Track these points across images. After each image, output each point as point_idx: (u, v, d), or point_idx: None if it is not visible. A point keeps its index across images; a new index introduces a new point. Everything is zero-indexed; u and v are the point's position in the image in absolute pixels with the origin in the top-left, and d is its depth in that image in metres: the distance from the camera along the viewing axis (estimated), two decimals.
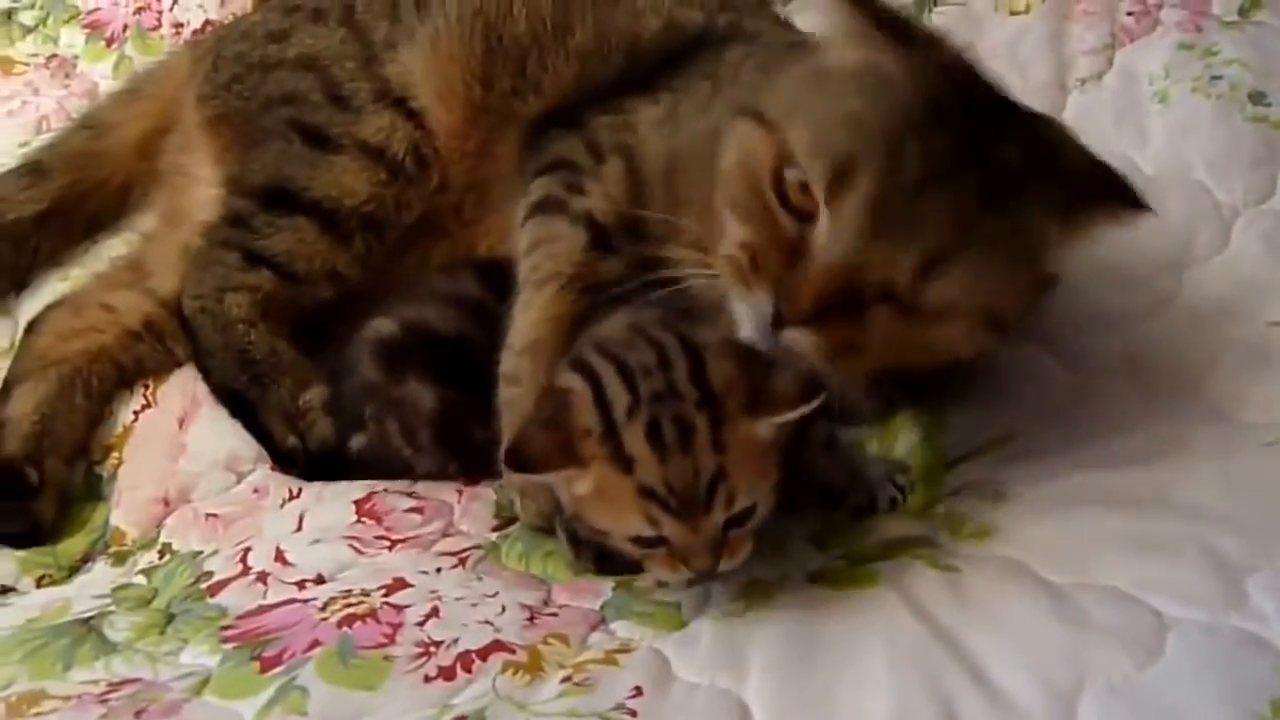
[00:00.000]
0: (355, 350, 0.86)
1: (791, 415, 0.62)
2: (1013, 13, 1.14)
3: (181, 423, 0.93)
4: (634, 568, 0.69)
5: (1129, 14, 1.11)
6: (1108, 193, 0.68)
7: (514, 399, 0.77)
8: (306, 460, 0.87)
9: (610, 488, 0.62)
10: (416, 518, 0.81)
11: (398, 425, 0.83)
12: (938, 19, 1.16)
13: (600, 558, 0.71)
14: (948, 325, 0.65)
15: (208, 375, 0.92)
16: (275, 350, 0.91)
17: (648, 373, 0.63)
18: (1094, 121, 1.03)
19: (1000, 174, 0.63)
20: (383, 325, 0.86)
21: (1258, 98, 1.01)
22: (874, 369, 0.70)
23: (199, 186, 0.98)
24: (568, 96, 0.89)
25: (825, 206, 0.62)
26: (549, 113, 0.89)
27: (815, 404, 0.62)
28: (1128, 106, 1.04)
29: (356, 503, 0.83)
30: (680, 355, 0.64)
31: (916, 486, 0.77)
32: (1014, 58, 1.10)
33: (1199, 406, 0.79)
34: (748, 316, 0.65)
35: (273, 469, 0.89)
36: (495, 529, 0.79)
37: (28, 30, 1.30)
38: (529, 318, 0.78)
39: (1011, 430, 0.80)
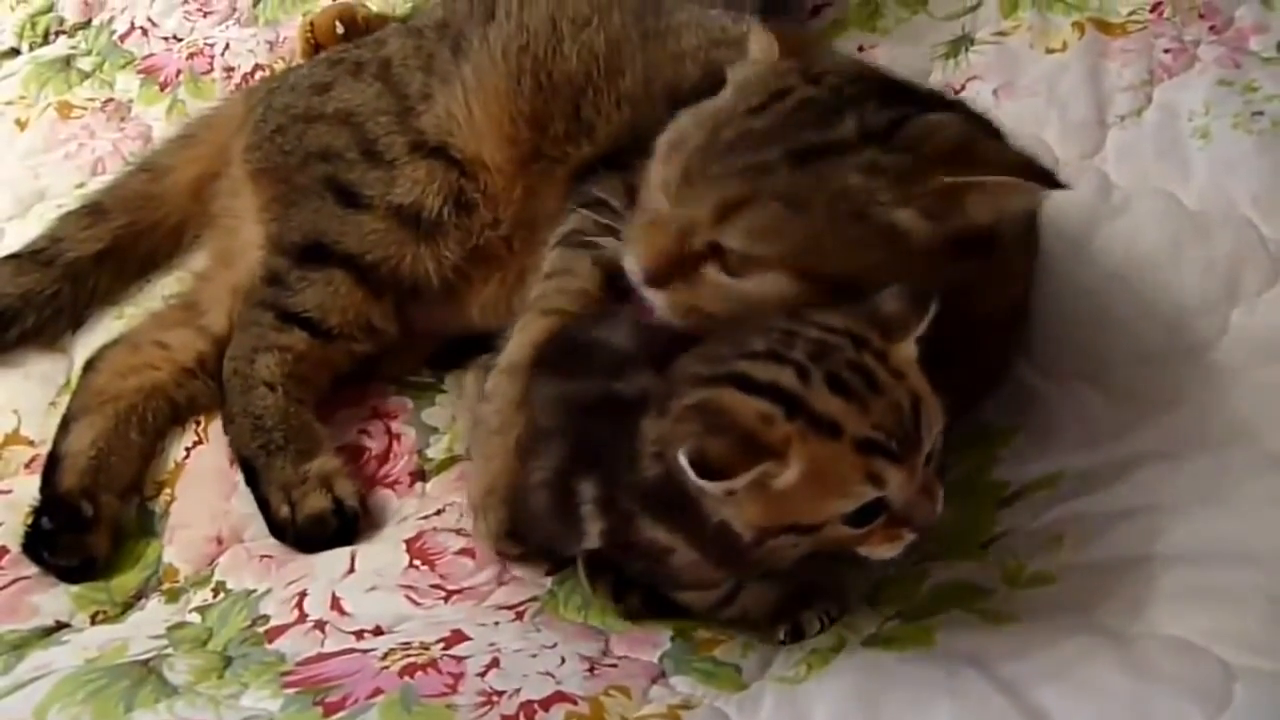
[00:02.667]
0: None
1: (922, 327, 0.60)
2: (1049, 50, 1.15)
3: (232, 460, 0.94)
4: (653, 610, 0.69)
5: (1166, 51, 1.11)
6: (967, 162, 0.68)
7: (484, 417, 0.80)
8: (295, 532, 0.87)
9: (822, 462, 0.56)
10: (469, 563, 0.81)
11: None
12: (975, 58, 1.17)
13: (617, 593, 0.71)
14: (770, 282, 0.68)
15: (230, 440, 0.93)
16: (288, 416, 0.91)
17: (787, 344, 0.60)
18: (1135, 157, 1.03)
19: (817, 142, 0.68)
20: None
21: None
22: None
23: (248, 229, 1.01)
24: (619, 141, 0.91)
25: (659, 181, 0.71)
26: (600, 156, 0.91)
27: (932, 313, 0.60)
28: (1169, 143, 1.03)
29: (407, 542, 0.84)
30: (799, 324, 0.61)
31: (965, 524, 0.76)
32: (1053, 95, 1.10)
33: (1254, 448, 0.78)
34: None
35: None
36: (548, 573, 0.79)
37: (85, 75, 1.34)
38: (521, 339, 0.81)
39: (1061, 469, 0.80)
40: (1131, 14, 1.16)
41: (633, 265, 0.71)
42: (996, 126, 0.79)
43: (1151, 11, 1.15)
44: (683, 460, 0.56)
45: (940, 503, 0.61)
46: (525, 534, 0.78)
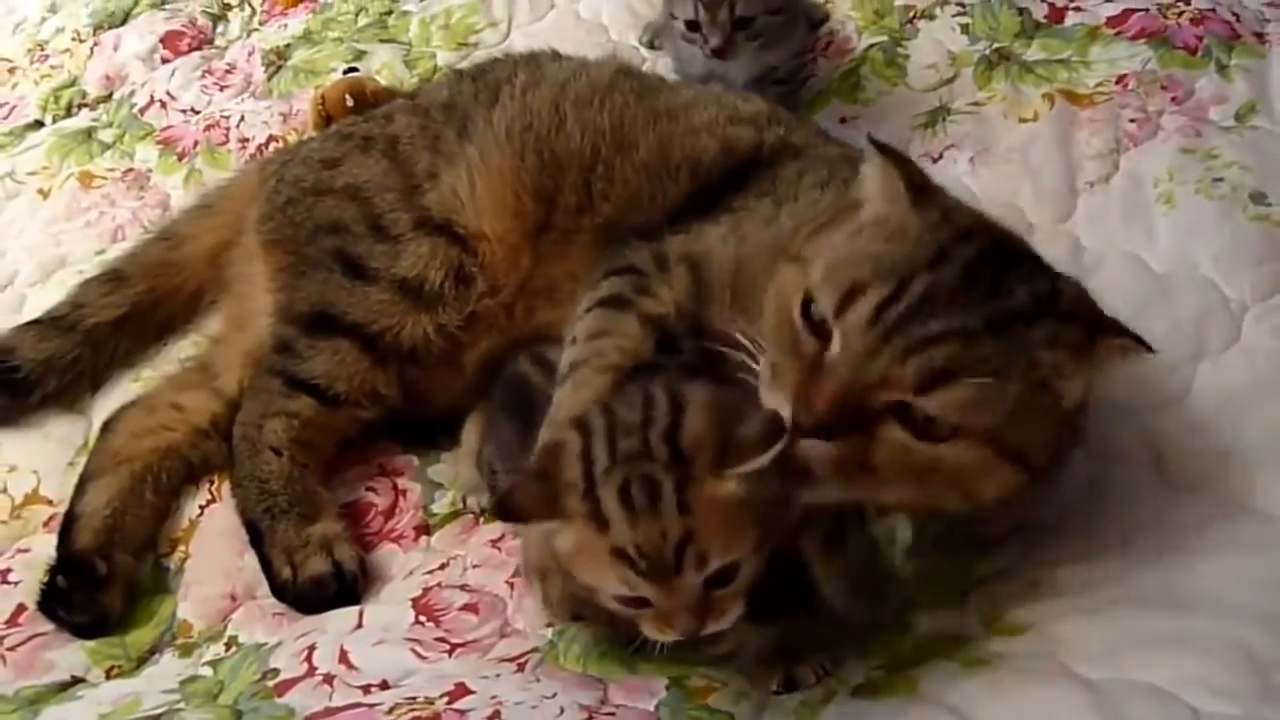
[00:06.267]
0: None
1: (756, 462, 0.62)
2: (1022, 120, 1.21)
3: None
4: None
5: (1131, 120, 1.17)
6: (1115, 330, 0.71)
7: None
8: (295, 594, 0.89)
9: (588, 546, 0.63)
10: (472, 618, 0.84)
11: None
12: (952, 127, 1.23)
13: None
14: (960, 450, 0.66)
15: (236, 503, 0.96)
16: (292, 481, 0.94)
17: (628, 431, 0.64)
18: (1103, 222, 1.08)
19: (1006, 309, 0.68)
20: None
21: (1259, 198, 1.06)
22: (901, 501, 0.72)
23: (260, 296, 1.05)
24: (642, 208, 0.94)
25: (834, 326, 0.67)
26: (632, 225, 0.94)
27: (777, 449, 0.61)
28: (1135, 208, 1.09)
29: (413, 600, 0.86)
30: (663, 411, 0.65)
31: (947, 573, 0.79)
32: (1026, 162, 1.16)
33: (1221, 498, 0.82)
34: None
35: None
36: (550, 624, 0.81)
37: (106, 146, 1.40)
38: (581, 396, 0.80)
39: (1037, 519, 0.83)
40: (1098, 85, 1.23)
41: (790, 409, 0.65)
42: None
43: (1117, 83, 1.22)
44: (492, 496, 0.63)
45: (721, 621, 0.64)
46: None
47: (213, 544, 0.96)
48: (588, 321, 0.86)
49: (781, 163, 0.94)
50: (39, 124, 1.47)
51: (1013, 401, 0.66)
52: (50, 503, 1.01)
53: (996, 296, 0.68)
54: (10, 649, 0.89)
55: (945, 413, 0.65)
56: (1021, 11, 1.33)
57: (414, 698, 0.72)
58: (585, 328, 0.85)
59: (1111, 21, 1.29)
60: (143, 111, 1.44)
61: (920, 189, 0.73)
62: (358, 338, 0.97)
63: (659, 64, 1.34)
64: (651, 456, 0.63)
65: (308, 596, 0.89)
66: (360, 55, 1.45)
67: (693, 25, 1.14)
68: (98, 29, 1.59)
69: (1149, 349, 0.71)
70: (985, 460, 0.67)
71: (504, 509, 0.66)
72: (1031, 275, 0.71)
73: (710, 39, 1.12)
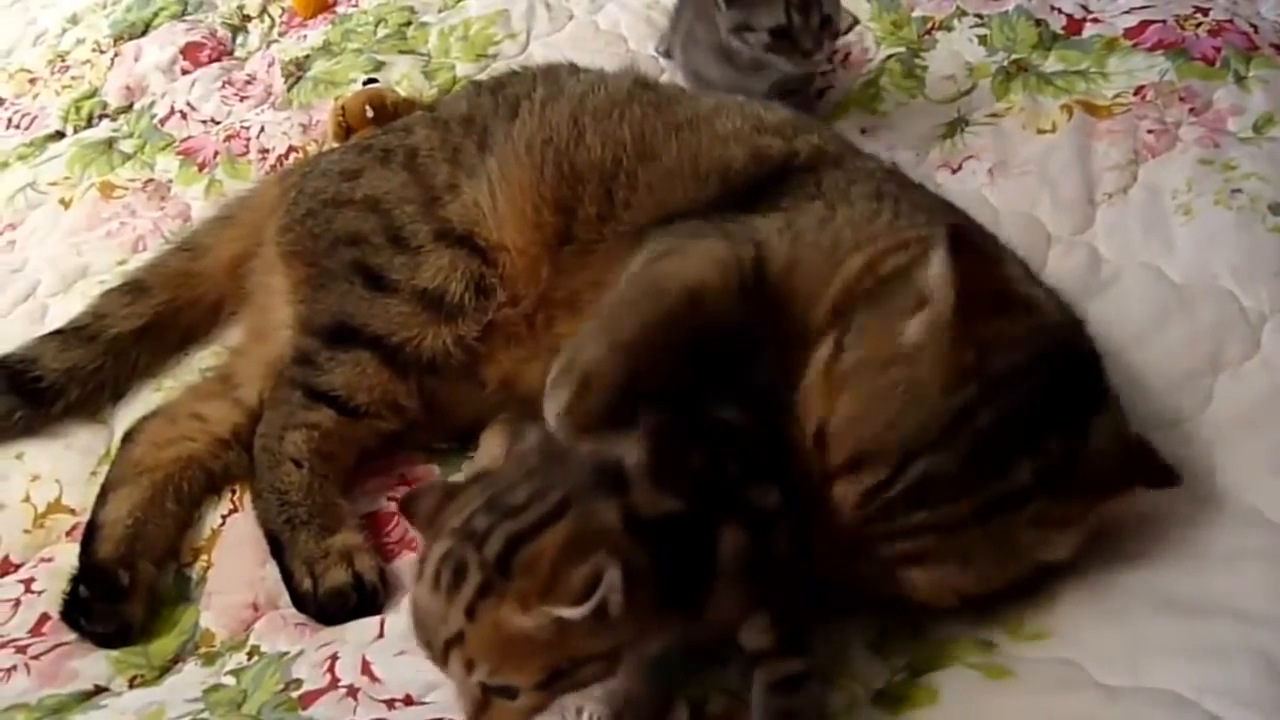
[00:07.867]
0: None
1: (563, 613, 0.58)
2: (1040, 131, 1.21)
3: None
4: None
5: (1149, 132, 1.17)
6: (1125, 482, 0.72)
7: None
8: (316, 605, 0.89)
9: (410, 578, 0.64)
10: None
11: None
12: (970, 138, 1.23)
13: None
14: (928, 591, 0.72)
15: (257, 514, 0.96)
16: (313, 492, 0.94)
17: (491, 509, 0.62)
18: (1122, 233, 1.08)
19: (1000, 494, 0.68)
20: None
21: (1277, 209, 1.05)
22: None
23: (280, 307, 1.06)
24: (667, 211, 0.94)
25: (835, 483, 0.70)
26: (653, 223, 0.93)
27: (588, 608, 0.57)
28: (1154, 219, 1.09)
29: None
30: (535, 514, 0.61)
31: None
32: (1044, 174, 1.16)
33: (1241, 508, 0.81)
34: None
35: None
36: None
37: (127, 157, 1.41)
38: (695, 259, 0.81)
39: None
40: (1117, 97, 1.23)
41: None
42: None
43: (1135, 95, 1.22)
44: None
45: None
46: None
47: (235, 553, 0.96)
48: (644, 252, 0.86)
49: (823, 169, 0.94)
50: (60, 134, 1.48)
51: (977, 573, 0.71)
52: (73, 512, 1.02)
53: (997, 477, 0.68)
54: (34, 658, 0.89)
55: (911, 584, 0.71)
56: (1039, 23, 1.34)
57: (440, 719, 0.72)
58: (643, 257, 0.85)
59: (1129, 33, 1.30)
60: (163, 122, 1.45)
61: (970, 302, 0.69)
62: (378, 349, 0.97)
63: (678, 74, 1.35)
64: (482, 548, 0.60)
65: (328, 608, 0.89)
66: (379, 66, 1.46)
67: (779, 32, 1.16)
68: (118, 40, 1.62)
69: (1172, 484, 0.73)
70: (952, 600, 0.73)
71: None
72: (1051, 439, 0.69)
73: (804, 41, 1.16)
